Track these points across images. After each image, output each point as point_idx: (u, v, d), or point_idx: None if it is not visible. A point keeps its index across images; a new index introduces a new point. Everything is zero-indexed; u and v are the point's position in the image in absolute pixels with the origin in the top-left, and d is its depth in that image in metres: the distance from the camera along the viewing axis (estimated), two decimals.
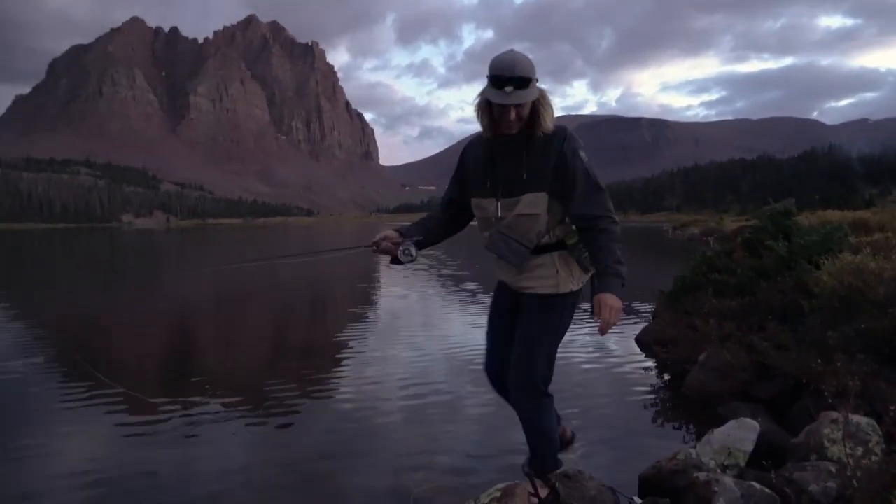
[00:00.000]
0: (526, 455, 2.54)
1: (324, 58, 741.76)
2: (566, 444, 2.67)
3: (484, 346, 2.53)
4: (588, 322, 6.85)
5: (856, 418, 2.69)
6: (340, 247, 2.60)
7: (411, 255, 2.25)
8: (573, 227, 2.21)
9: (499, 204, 2.17)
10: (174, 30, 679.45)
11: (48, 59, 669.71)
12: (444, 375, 5.06)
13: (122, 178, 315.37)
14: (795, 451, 2.77)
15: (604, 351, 5.82)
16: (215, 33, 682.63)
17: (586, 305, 2.22)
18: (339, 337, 6.92)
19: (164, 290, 13.05)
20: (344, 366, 5.57)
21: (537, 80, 2.00)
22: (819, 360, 3.40)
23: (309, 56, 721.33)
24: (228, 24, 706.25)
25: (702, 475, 2.43)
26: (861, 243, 5.41)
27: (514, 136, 2.08)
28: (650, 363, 5.28)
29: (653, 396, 4.44)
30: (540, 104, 2.03)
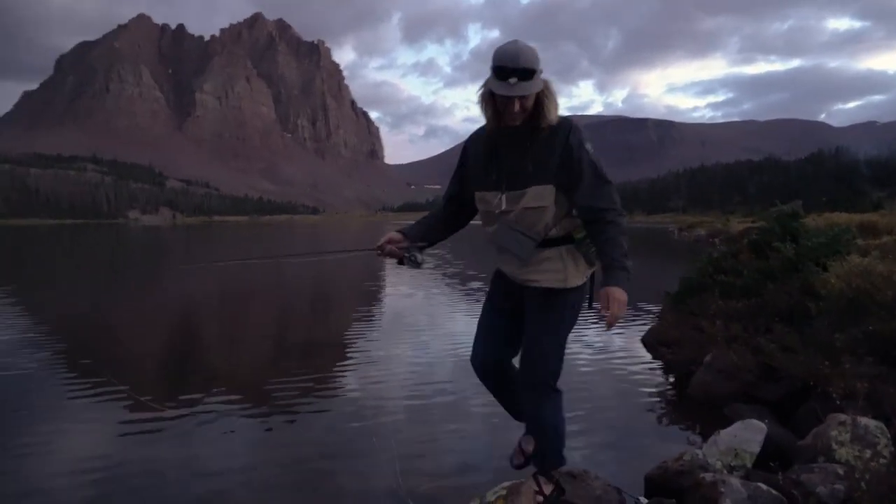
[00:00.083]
0: (513, 448, 2.54)
1: (329, 56, 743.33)
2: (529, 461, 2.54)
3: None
4: (593, 322, 6.84)
5: (864, 421, 2.68)
6: (345, 247, 2.62)
7: (417, 263, 2.26)
8: (581, 221, 2.17)
9: (503, 197, 2.13)
10: (180, 27, 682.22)
11: (55, 56, 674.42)
12: (448, 375, 5.05)
13: (128, 174, 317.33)
14: (802, 453, 2.75)
15: (609, 352, 5.80)
16: (221, 31, 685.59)
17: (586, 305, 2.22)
18: (343, 336, 6.92)
19: (168, 287, 13.08)
20: (347, 365, 5.56)
21: (542, 71, 1.96)
22: (826, 363, 3.39)
23: (315, 54, 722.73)
24: (234, 21, 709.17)
25: (708, 476, 2.42)
26: (869, 246, 5.39)
27: (519, 128, 2.04)
28: (656, 364, 5.26)
29: (658, 397, 4.43)
30: (544, 96, 1.99)
